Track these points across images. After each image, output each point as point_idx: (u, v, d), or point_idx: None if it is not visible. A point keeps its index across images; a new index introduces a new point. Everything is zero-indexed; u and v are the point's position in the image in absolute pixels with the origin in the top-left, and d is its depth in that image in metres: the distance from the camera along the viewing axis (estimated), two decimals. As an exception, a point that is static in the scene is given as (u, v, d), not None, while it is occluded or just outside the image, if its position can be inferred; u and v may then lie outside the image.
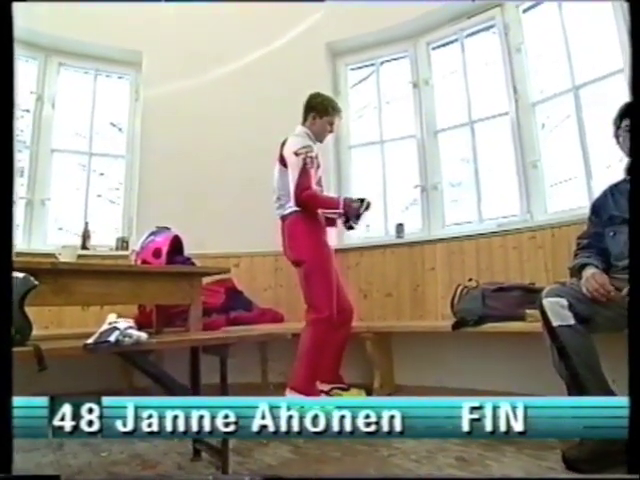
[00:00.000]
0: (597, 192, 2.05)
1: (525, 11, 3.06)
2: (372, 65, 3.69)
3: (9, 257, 1.11)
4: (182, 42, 3.60)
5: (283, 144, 2.54)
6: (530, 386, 2.49)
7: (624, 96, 2.31)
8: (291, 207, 2.49)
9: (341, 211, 2.40)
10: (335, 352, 2.62)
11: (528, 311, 2.18)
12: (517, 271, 2.73)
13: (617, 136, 1.87)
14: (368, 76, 3.78)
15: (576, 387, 1.62)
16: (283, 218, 2.55)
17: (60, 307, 2.81)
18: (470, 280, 2.67)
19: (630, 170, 1.25)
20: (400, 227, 3.29)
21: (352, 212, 2.42)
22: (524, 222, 2.85)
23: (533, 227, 2.74)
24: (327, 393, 2.60)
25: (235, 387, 2.46)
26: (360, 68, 3.77)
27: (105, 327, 1.41)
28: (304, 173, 2.40)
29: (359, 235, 3.40)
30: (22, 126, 3.97)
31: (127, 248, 3.28)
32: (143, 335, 1.43)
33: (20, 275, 1.36)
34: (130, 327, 1.43)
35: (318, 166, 2.55)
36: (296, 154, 2.43)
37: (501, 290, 2.47)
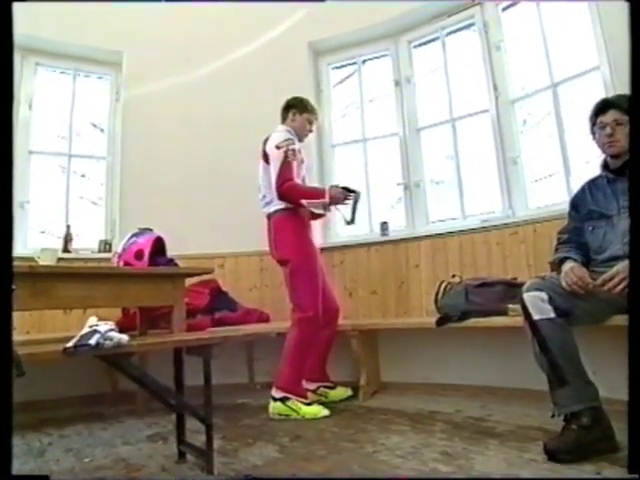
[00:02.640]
0: (576, 187, 2.09)
1: (504, 9, 3.09)
2: (354, 64, 3.71)
3: (9, 259, 1.08)
4: (163, 42, 3.57)
5: (265, 141, 2.56)
6: (512, 379, 2.54)
7: (600, 93, 2.36)
8: (276, 205, 2.50)
9: (326, 200, 2.40)
10: (321, 351, 2.63)
11: (510, 306, 2.21)
12: (500, 266, 2.77)
13: (593, 132, 1.91)
14: (350, 75, 3.79)
15: (556, 379, 1.65)
16: (268, 216, 2.56)
17: (41, 311, 2.76)
18: (453, 276, 2.70)
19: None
20: (384, 225, 3.31)
21: (338, 201, 2.43)
22: (506, 218, 2.88)
23: (515, 223, 2.78)
24: (314, 392, 2.62)
25: (221, 388, 2.47)
26: (342, 67, 3.78)
27: (86, 330, 1.40)
28: (285, 165, 2.41)
29: (343, 233, 3.42)
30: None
31: (110, 250, 3.25)
32: (124, 337, 1.41)
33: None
34: (111, 330, 1.41)
35: (302, 161, 2.57)
36: (277, 147, 2.45)
37: (484, 285, 2.49)
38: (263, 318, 3.18)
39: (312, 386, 2.62)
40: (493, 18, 3.09)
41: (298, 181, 2.49)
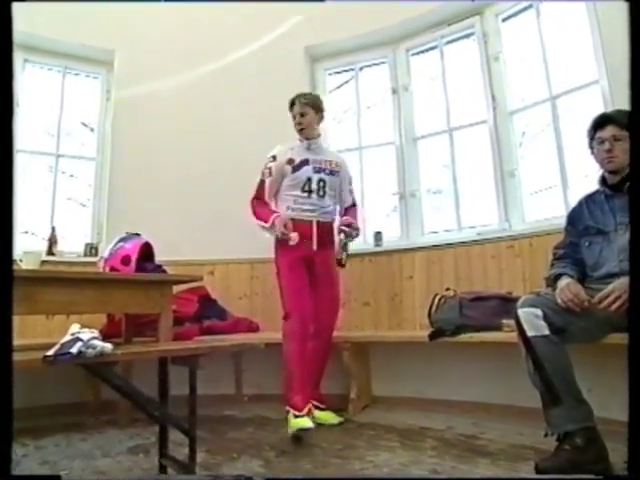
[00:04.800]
0: (573, 201, 2.11)
1: (504, 20, 3.14)
2: (351, 70, 3.73)
3: (9, 263, 1.07)
4: (157, 42, 3.58)
5: None
6: (507, 396, 2.54)
7: (599, 107, 2.40)
8: None
9: (266, 225, 2.46)
10: (313, 365, 2.54)
11: (505, 321, 2.22)
12: (495, 280, 2.78)
13: (591, 147, 1.92)
14: (347, 81, 3.82)
15: (550, 397, 1.66)
16: None
17: (22, 316, 2.73)
18: (448, 289, 2.70)
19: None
20: (378, 235, 3.32)
21: (276, 231, 2.41)
22: (502, 231, 2.90)
23: (511, 236, 2.80)
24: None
25: (207, 399, 2.45)
26: (339, 73, 3.81)
27: (67, 338, 1.38)
28: (259, 183, 2.56)
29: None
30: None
31: (96, 254, 3.22)
32: (107, 346, 1.40)
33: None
34: (94, 337, 1.40)
35: (293, 169, 2.54)
36: None
37: (479, 299, 2.50)
38: (253, 327, 3.16)
39: None
40: (493, 28, 3.14)
41: (267, 197, 2.55)
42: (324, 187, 2.56)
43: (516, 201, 2.95)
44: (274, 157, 2.56)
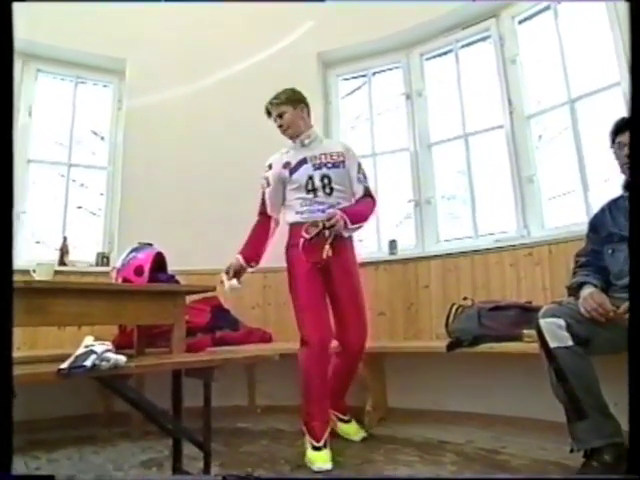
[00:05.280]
0: (595, 206, 2.08)
1: (521, 22, 3.12)
2: (364, 76, 3.74)
3: (10, 274, 1.08)
4: (168, 50, 3.62)
5: None
6: (528, 409, 2.50)
7: (621, 109, 2.37)
8: None
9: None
10: (339, 380, 2.41)
11: (525, 331, 2.19)
12: (514, 289, 2.75)
13: (613, 151, 1.90)
14: (360, 87, 3.83)
15: (574, 411, 1.63)
16: None
17: (34, 327, 2.76)
18: (465, 299, 2.68)
19: (630, 177, 1.27)
20: (393, 243, 3.30)
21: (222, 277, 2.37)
22: (521, 238, 2.87)
23: (530, 243, 2.77)
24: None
25: (220, 410, 2.45)
26: (352, 79, 3.82)
27: (81, 350, 1.39)
28: (261, 196, 2.48)
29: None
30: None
31: (108, 264, 3.25)
32: (121, 359, 1.40)
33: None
34: (108, 350, 1.40)
35: (291, 173, 2.39)
36: None
37: (497, 309, 2.48)
38: (265, 338, 3.15)
39: None
40: (509, 31, 3.12)
41: (270, 210, 2.45)
42: (330, 183, 2.35)
43: (535, 207, 2.92)
44: (270, 166, 2.46)
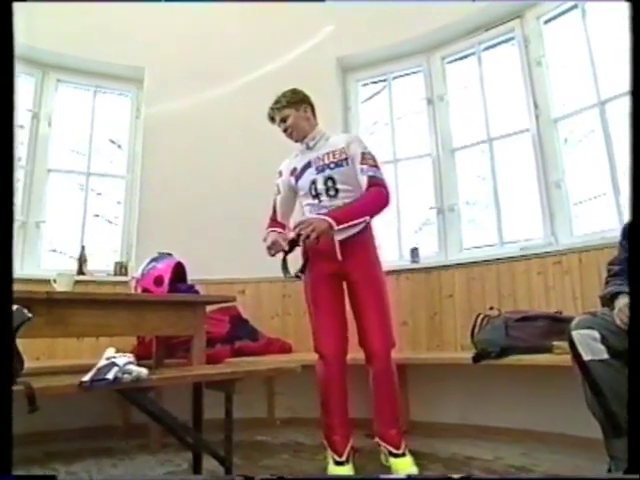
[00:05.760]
0: (627, 211, 2.03)
1: (547, 22, 3.09)
2: (384, 80, 3.74)
3: (9, 286, 1.10)
4: (186, 58, 3.67)
5: None
6: (560, 424, 2.44)
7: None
8: None
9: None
10: (375, 396, 2.24)
11: (556, 343, 2.15)
12: (542, 299, 2.70)
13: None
14: (379, 91, 3.82)
15: (611, 427, 1.58)
16: None
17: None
18: (491, 308, 2.64)
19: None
20: (415, 251, 3.28)
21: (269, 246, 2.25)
22: (548, 245, 2.82)
23: (558, 251, 2.72)
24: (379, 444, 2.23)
25: (239, 422, 2.42)
26: (372, 83, 3.81)
27: (103, 363, 1.40)
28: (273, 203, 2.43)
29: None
30: (17, 144, 4.04)
31: (126, 273, 3.29)
32: (143, 371, 1.41)
33: (13, 307, 1.35)
34: (129, 362, 1.42)
35: (297, 178, 2.35)
36: None
37: (525, 319, 2.43)
38: (285, 349, 3.15)
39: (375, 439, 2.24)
40: (534, 31, 3.09)
41: (279, 217, 2.40)
42: (334, 184, 2.23)
43: (563, 214, 2.87)
44: (280, 172, 2.43)
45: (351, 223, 2.10)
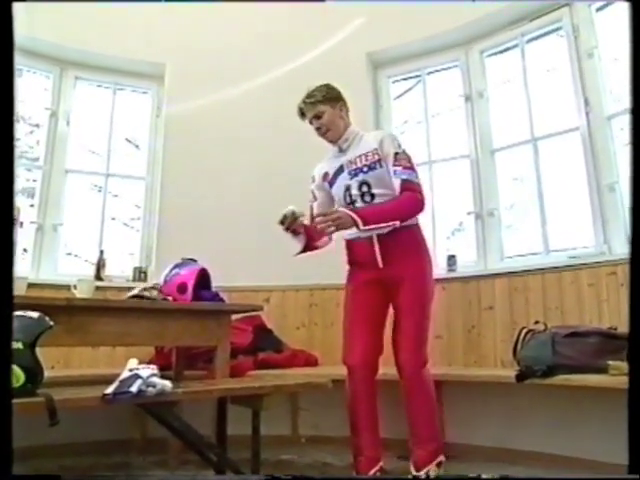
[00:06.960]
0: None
1: (599, 10, 3.00)
2: (418, 76, 3.70)
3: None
4: (209, 54, 3.69)
5: None
6: (612, 452, 2.34)
7: None
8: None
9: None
10: (408, 414, 2.22)
11: (611, 362, 2.08)
12: (594, 313, 2.61)
13: None
14: (410, 88, 3.79)
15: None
16: None
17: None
18: (537, 322, 2.57)
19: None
20: (452, 259, 3.22)
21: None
22: (600, 255, 2.74)
23: (613, 261, 2.62)
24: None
25: (261, 440, 2.42)
26: (404, 80, 3.78)
27: (126, 375, 1.40)
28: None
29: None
30: (33, 144, 4.13)
31: (145, 279, 3.31)
32: (167, 384, 1.40)
33: (34, 315, 1.36)
34: (153, 374, 1.41)
35: (330, 184, 2.35)
36: None
37: (575, 335, 2.35)
38: (311, 361, 3.12)
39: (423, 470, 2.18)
40: (585, 21, 3.00)
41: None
42: (369, 189, 2.20)
43: (617, 220, 2.78)
44: (313, 178, 2.42)
45: (379, 226, 2.09)
